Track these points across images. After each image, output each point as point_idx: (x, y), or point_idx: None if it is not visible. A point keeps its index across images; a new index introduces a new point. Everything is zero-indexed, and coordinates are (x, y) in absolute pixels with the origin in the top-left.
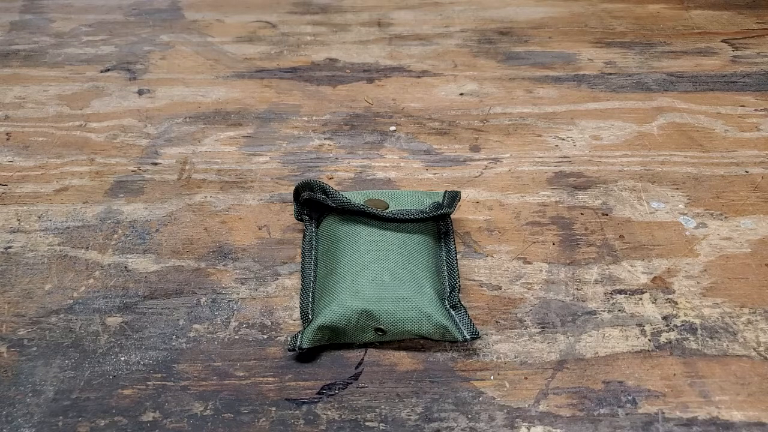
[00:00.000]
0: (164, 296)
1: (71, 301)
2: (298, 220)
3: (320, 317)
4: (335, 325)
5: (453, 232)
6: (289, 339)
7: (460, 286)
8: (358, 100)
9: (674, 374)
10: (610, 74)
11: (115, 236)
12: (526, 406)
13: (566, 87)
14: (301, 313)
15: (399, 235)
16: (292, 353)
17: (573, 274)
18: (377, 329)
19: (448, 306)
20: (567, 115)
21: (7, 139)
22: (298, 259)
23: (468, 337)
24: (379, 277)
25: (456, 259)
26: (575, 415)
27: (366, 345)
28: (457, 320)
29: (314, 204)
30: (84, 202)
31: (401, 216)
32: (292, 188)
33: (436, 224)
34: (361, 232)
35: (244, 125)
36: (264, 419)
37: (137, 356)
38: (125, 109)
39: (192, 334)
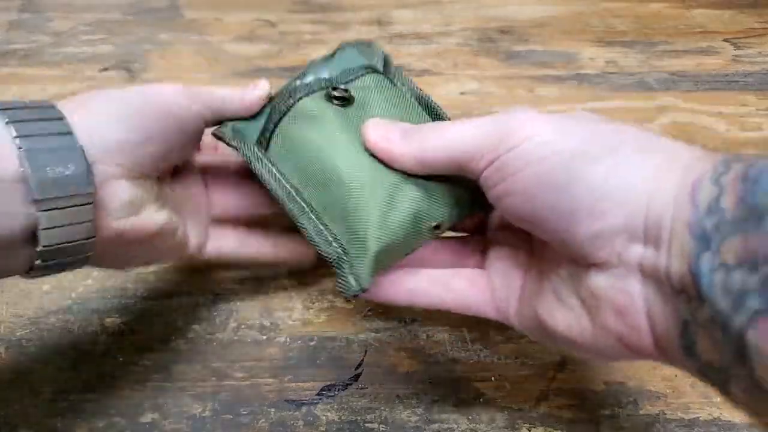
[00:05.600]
0: (163, 297)
1: (69, 302)
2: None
3: (372, 241)
4: (392, 241)
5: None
6: (342, 287)
7: None
8: None
9: (675, 375)
10: (612, 73)
11: None
12: (527, 407)
13: (567, 86)
14: (325, 255)
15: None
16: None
17: None
18: (435, 227)
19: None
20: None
21: None
22: None
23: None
24: (394, 176)
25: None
26: (576, 416)
27: (367, 344)
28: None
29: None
30: None
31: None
32: None
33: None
34: (334, 131)
35: None
36: (263, 420)
37: (135, 357)
38: None
39: (190, 335)
